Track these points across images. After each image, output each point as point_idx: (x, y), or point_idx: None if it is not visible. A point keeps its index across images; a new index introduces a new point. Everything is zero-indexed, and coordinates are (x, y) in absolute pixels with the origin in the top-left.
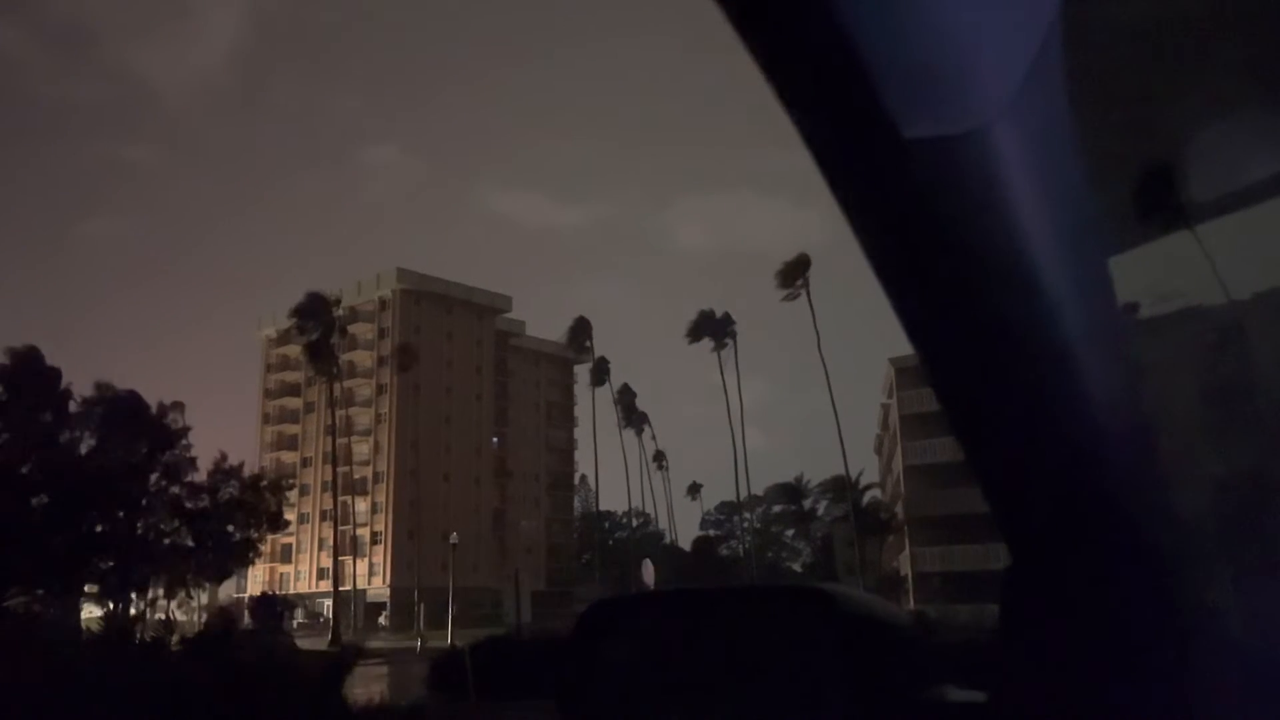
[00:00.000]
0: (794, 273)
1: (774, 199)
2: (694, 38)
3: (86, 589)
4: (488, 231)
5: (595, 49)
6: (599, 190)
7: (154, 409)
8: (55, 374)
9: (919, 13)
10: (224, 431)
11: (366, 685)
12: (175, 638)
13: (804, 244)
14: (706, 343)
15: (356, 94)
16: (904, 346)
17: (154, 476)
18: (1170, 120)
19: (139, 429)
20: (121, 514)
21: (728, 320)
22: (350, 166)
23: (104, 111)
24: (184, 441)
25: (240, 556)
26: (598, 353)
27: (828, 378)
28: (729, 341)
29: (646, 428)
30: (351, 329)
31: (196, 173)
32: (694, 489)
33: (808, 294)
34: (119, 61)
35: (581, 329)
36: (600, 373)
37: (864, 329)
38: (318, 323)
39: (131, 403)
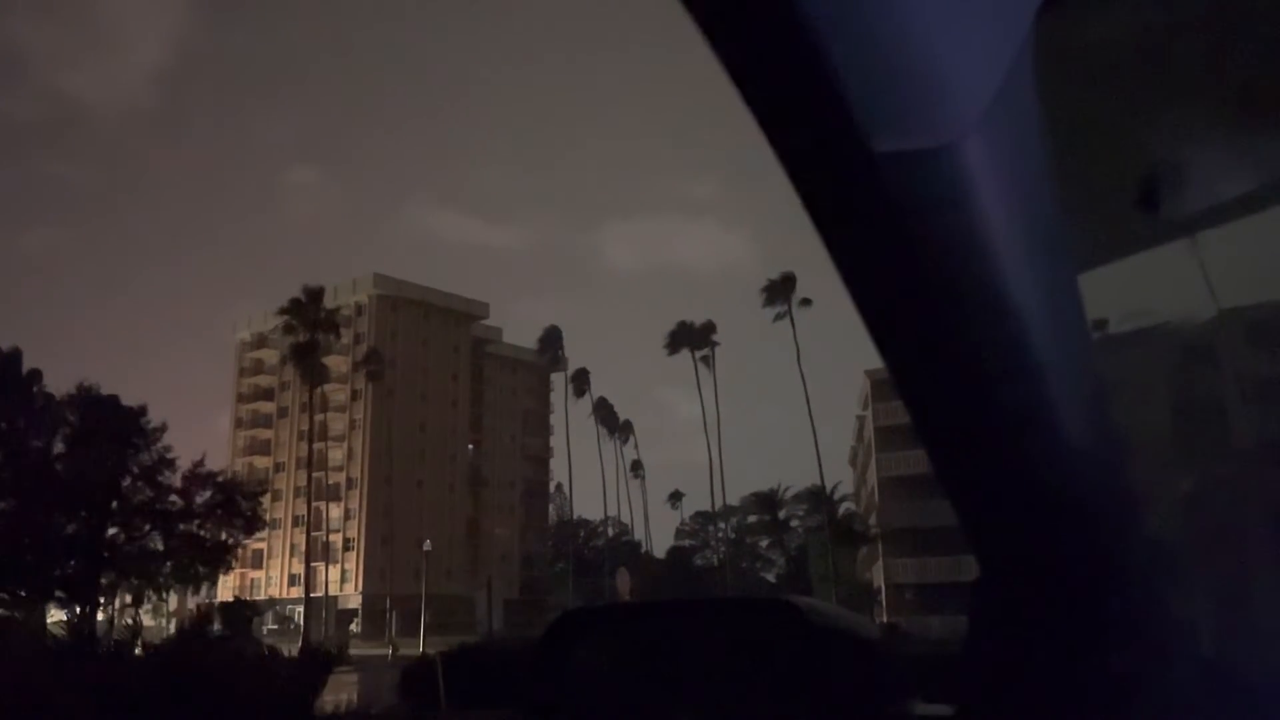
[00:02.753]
0: (781, 291)
1: (700, 221)
2: (619, 66)
3: (56, 593)
4: (419, 249)
5: (522, 77)
6: (529, 213)
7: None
8: (34, 375)
9: (892, 28)
10: (197, 437)
11: (337, 692)
12: (138, 644)
13: (732, 263)
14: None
15: (282, 118)
16: (880, 359)
17: (127, 480)
18: (1142, 138)
19: (113, 431)
20: (90, 517)
21: (709, 330)
22: (277, 186)
23: (35, 130)
24: (160, 443)
25: (214, 561)
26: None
27: (806, 392)
28: (709, 352)
29: (631, 437)
30: (330, 335)
31: (126, 190)
32: (675, 497)
33: (790, 312)
34: (49, 84)
35: (552, 337)
36: (580, 382)
37: (840, 341)
38: (307, 321)
39: (109, 405)
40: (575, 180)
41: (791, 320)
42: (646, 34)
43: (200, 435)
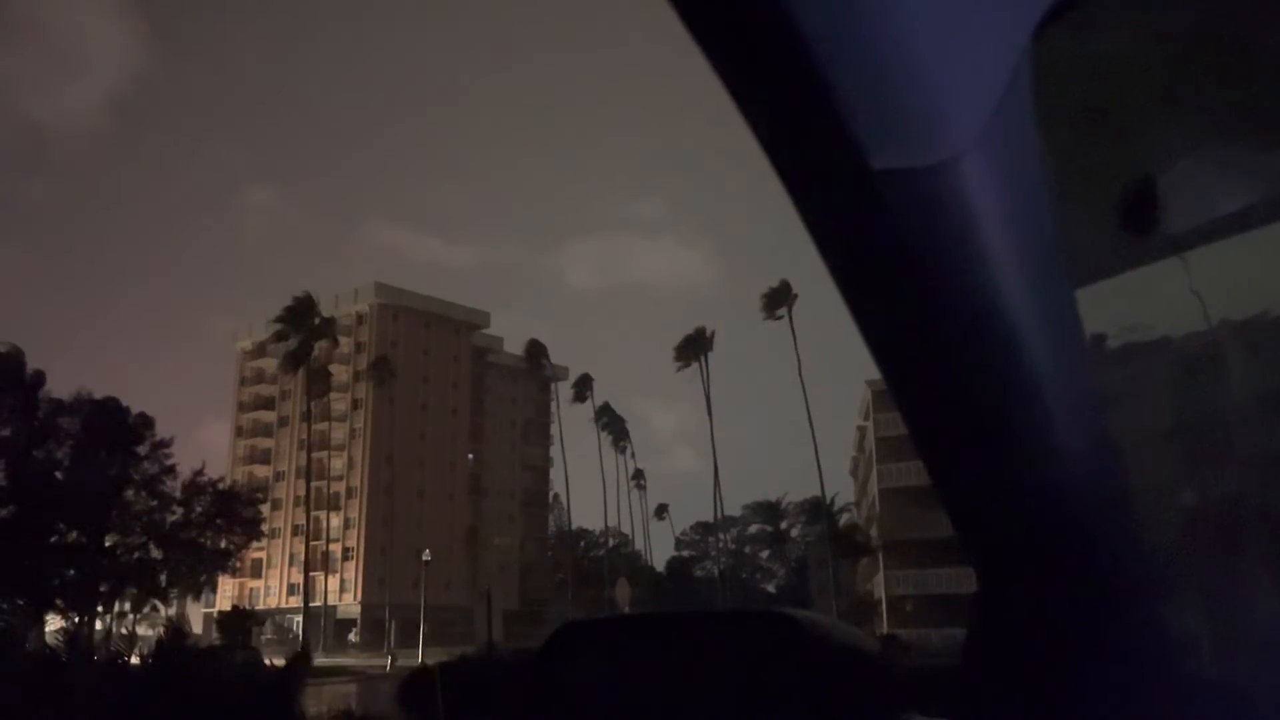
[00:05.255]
0: (778, 299)
1: (658, 241)
2: (569, 90)
3: (56, 601)
4: (376, 267)
5: (467, 97)
6: (488, 233)
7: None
8: (38, 377)
9: (890, 46)
10: (197, 445)
11: (335, 703)
12: (134, 655)
13: (692, 280)
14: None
15: (237, 142)
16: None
17: (129, 490)
18: (1140, 153)
19: (115, 440)
20: (90, 526)
21: (707, 340)
22: (235, 205)
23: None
24: (164, 452)
25: (214, 569)
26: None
27: (806, 402)
28: (694, 363)
29: (627, 445)
30: (328, 342)
31: (90, 208)
32: (661, 510)
33: (790, 320)
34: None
35: (537, 350)
36: (582, 389)
37: (842, 351)
38: (300, 328)
39: (110, 412)
40: (531, 200)
41: (792, 329)
42: (592, 58)
43: (200, 444)
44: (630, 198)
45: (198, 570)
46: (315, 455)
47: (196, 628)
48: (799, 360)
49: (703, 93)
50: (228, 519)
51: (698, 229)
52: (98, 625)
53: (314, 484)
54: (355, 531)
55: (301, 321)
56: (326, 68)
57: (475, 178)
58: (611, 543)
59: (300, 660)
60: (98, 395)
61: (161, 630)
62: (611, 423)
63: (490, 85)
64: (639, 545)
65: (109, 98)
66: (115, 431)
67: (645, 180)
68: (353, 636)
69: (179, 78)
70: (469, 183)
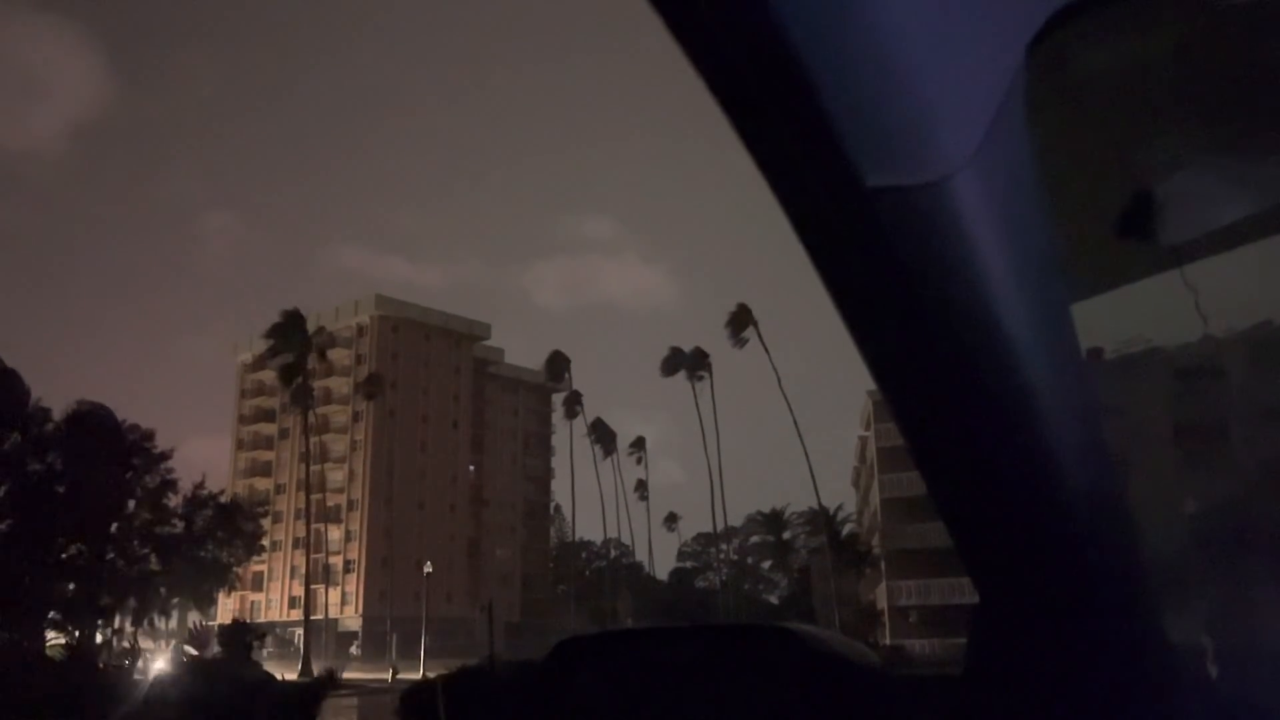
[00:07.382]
0: (740, 324)
1: (619, 259)
2: (528, 109)
3: (52, 615)
4: (352, 286)
5: (424, 122)
6: (451, 254)
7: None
8: (24, 390)
9: (884, 63)
10: (197, 458)
11: (337, 716)
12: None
13: (656, 297)
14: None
15: (198, 167)
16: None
17: (130, 503)
18: (1136, 167)
19: (114, 452)
20: (91, 540)
21: (701, 356)
22: (198, 231)
23: None
24: (165, 465)
25: (215, 582)
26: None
27: (792, 413)
28: (704, 375)
29: (643, 455)
30: (329, 355)
31: (55, 232)
32: (671, 519)
33: (760, 338)
34: None
35: (558, 362)
36: (572, 404)
37: (844, 359)
38: (293, 344)
39: (106, 422)
40: (490, 220)
41: (764, 346)
42: (543, 83)
43: (190, 459)
44: (584, 217)
45: (199, 584)
46: (315, 467)
47: None
48: (777, 374)
49: (646, 108)
50: (229, 532)
51: (656, 245)
52: (98, 638)
53: (314, 496)
54: (356, 544)
55: (291, 337)
56: (282, 94)
57: (432, 199)
58: (613, 554)
59: (324, 678)
60: (116, 405)
61: (165, 643)
62: (603, 436)
63: (442, 106)
64: (641, 556)
65: (72, 126)
66: (114, 443)
67: (595, 200)
68: (354, 649)
69: (138, 106)
70: (426, 204)
